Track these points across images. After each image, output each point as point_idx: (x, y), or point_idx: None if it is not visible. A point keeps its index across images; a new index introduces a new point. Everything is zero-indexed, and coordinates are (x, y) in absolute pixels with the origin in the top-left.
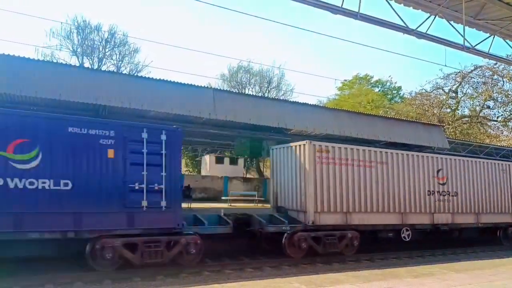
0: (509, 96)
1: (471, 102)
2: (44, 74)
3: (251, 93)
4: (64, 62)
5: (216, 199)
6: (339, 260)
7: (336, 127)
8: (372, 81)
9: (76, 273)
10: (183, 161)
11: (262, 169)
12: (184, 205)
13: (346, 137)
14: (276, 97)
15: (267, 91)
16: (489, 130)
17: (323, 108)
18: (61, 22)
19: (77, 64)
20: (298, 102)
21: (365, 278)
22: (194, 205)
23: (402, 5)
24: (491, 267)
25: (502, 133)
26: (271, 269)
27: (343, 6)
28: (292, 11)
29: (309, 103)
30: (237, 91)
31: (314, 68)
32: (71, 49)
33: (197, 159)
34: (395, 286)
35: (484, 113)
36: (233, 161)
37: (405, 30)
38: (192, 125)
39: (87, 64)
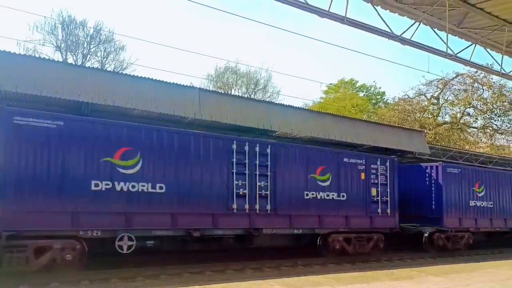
0: (488, 104)
1: (452, 109)
2: (25, 68)
3: (238, 94)
4: (47, 57)
5: None
6: (320, 262)
7: (320, 130)
8: (357, 86)
9: (51, 273)
10: None
11: None
12: None
13: (331, 141)
14: (263, 99)
15: (253, 93)
16: (469, 136)
17: (308, 111)
18: (45, 17)
19: (61, 60)
20: (284, 104)
21: (345, 280)
22: None
23: (388, 11)
24: (467, 270)
25: (481, 140)
26: (252, 271)
27: (330, 10)
28: (282, 14)
29: (294, 106)
30: (223, 92)
31: (301, 71)
32: (55, 44)
33: None
34: None
35: (464, 119)
36: None
37: (390, 36)
38: (177, 125)
39: (70, 60)
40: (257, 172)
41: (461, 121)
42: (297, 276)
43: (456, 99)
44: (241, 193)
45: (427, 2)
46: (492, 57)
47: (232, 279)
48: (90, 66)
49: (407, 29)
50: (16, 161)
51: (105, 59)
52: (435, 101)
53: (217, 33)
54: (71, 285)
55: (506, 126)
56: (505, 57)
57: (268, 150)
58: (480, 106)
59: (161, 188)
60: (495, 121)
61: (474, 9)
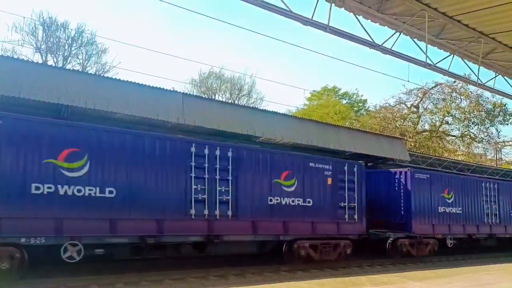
0: (466, 113)
1: (431, 117)
2: (3, 69)
3: (222, 100)
4: (26, 59)
5: None
6: (303, 268)
7: (303, 136)
8: (339, 93)
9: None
10: None
11: None
12: None
13: (313, 147)
14: (247, 105)
15: (237, 98)
16: (448, 144)
17: (292, 117)
18: (24, 17)
19: (40, 62)
20: (267, 110)
21: (328, 286)
22: None
23: (369, 21)
24: (447, 275)
25: (459, 147)
26: (235, 277)
27: (313, 18)
28: (266, 22)
29: (278, 112)
30: (207, 97)
31: (285, 77)
32: (35, 45)
33: None
34: None
35: (443, 128)
36: None
37: (371, 45)
38: (159, 130)
39: (51, 62)
40: (218, 177)
41: (440, 129)
42: (280, 282)
43: (435, 107)
44: (200, 198)
45: (408, 13)
46: (469, 67)
47: (214, 286)
48: (71, 69)
49: (388, 39)
50: None
51: (86, 61)
52: (415, 109)
53: (201, 39)
54: None
55: (483, 134)
56: (482, 68)
57: (230, 154)
58: (458, 115)
59: (111, 192)
60: (472, 129)
61: (452, 21)
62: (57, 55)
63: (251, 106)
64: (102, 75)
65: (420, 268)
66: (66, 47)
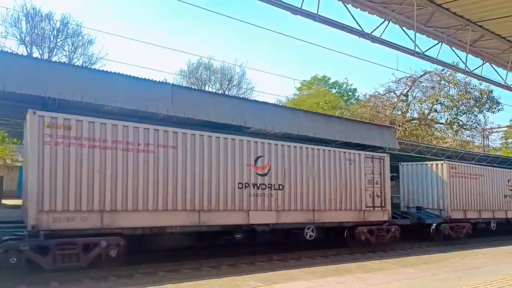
0: (454, 100)
1: (420, 106)
2: None
3: (211, 90)
4: (10, 51)
5: None
6: (295, 257)
7: (294, 126)
8: (329, 83)
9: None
10: None
11: None
12: None
13: (304, 137)
14: (237, 95)
15: (227, 89)
16: (436, 132)
17: (282, 107)
18: (7, 8)
19: (25, 54)
20: (257, 100)
21: (319, 273)
22: None
23: (358, 9)
24: (435, 261)
25: (447, 135)
26: (228, 267)
27: (302, 8)
28: (255, 11)
29: (268, 102)
30: (196, 88)
31: (274, 67)
32: (19, 37)
33: None
34: (348, 281)
35: (432, 116)
36: None
37: (361, 33)
38: (149, 121)
39: (36, 54)
40: None
41: (428, 117)
42: (272, 271)
43: (424, 96)
44: None
45: (396, 1)
46: (457, 55)
47: (208, 277)
48: (57, 61)
49: (377, 27)
50: None
51: (73, 53)
52: (404, 98)
53: (190, 29)
54: (40, 285)
55: (471, 122)
56: (469, 56)
57: None
58: (447, 103)
59: None
60: (460, 117)
61: (440, 9)
62: (42, 47)
63: (241, 96)
64: (89, 66)
65: (412, 254)
66: (52, 38)
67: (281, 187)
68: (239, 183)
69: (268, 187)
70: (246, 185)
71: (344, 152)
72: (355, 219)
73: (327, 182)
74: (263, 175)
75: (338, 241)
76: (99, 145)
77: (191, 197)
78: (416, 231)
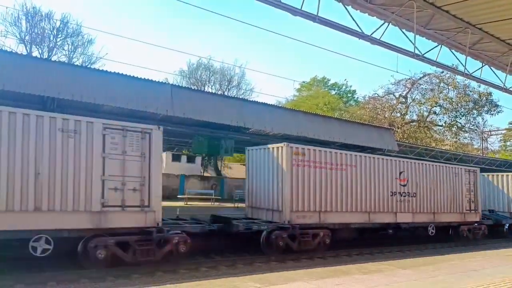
0: (453, 103)
1: (419, 108)
2: None
3: (211, 91)
4: (10, 50)
5: (171, 197)
6: (293, 258)
7: (293, 127)
8: (329, 84)
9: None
10: None
11: (220, 168)
12: None
13: (304, 138)
14: (236, 96)
15: (227, 90)
16: (435, 134)
17: (282, 109)
18: (7, 7)
19: (25, 53)
20: (257, 101)
21: (318, 275)
22: None
23: (358, 11)
24: (434, 263)
25: (446, 137)
26: (226, 268)
27: (302, 9)
28: (255, 11)
29: (268, 103)
30: (196, 88)
31: (274, 68)
32: (18, 36)
33: None
34: (346, 283)
35: (431, 118)
36: (191, 159)
37: (360, 35)
38: (148, 122)
39: (36, 54)
40: None
41: (427, 119)
42: (271, 272)
43: (423, 98)
44: None
45: (396, 3)
46: (457, 58)
47: (206, 277)
48: (57, 60)
49: (377, 29)
50: None
51: (72, 53)
52: (403, 100)
53: (190, 29)
54: (37, 285)
55: (470, 124)
56: (469, 58)
57: None
58: (446, 105)
59: None
60: (459, 119)
61: (440, 11)
62: (42, 46)
63: (240, 97)
64: (88, 66)
65: (409, 256)
66: (51, 38)
67: (415, 194)
68: (390, 191)
69: (407, 194)
70: (394, 193)
71: (453, 168)
72: (459, 219)
73: (442, 191)
74: (404, 185)
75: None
76: (319, 165)
77: (364, 202)
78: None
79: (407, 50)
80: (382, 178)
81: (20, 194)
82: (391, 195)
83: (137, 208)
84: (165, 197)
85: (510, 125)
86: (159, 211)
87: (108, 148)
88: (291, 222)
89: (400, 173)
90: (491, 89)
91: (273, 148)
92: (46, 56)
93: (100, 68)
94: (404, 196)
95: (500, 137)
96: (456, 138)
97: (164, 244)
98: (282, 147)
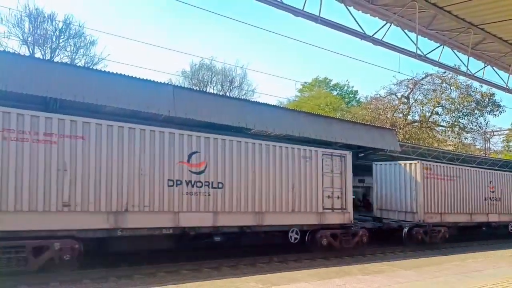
0: (455, 103)
1: (421, 108)
2: None
3: (213, 92)
4: (13, 51)
5: None
6: (295, 258)
7: (295, 128)
8: (330, 84)
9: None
10: None
11: None
12: None
13: (305, 139)
14: (238, 97)
15: (229, 90)
16: (437, 135)
17: (284, 109)
18: (10, 8)
19: (27, 54)
20: (259, 102)
21: (320, 276)
22: None
23: (360, 12)
24: (436, 264)
25: (449, 138)
26: (229, 268)
27: (304, 9)
28: (256, 12)
29: (270, 104)
30: (198, 89)
31: (276, 68)
32: (21, 37)
33: None
34: (348, 284)
35: (433, 118)
36: None
37: (362, 36)
38: (150, 122)
39: (38, 55)
40: None
41: (430, 120)
42: (272, 273)
43: (426, 98)
44: None
45: (398, 3)
46: (459, 58)
47: (208, 278)
48: (59, 61)
49: (379, 30)
50: None
51: (75, 54)
52: (406, 100)
53: (190, 29)
54: (42, 285)
55: (472, 125)
56: (471, 58)
57: None
58: (448, 106)
59: None
60: (462, 119)
61: (442, 12)
62: (44, 47)
63: (242, 98)
64: (91, 67)
65: (411, 257)
66: (54, 39)
67: (498, 199)
68: (485, 197)
69: (495, 199)
70: (486, 197)
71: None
72: (508, 219)
73: (500, 195)
74: (493, 192)
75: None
76: (440, 177)
77: (467, 205)
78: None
79: (409, 51)
80: (477, 186)
81: (280, 200)
82: (485, 200)
83: (339, 211)
84: None
85: None
86: (351, 212)
87: (324, 168)
88: (424, 221)
89: (490, 182)
90: (493, 90)
91: (405, 164)
92: (49, 57)
93: (102, 69)
94: (493, 201)
95: (503, 137)
96: (459, 138)
97: (354, 236)
98: (416, 164)
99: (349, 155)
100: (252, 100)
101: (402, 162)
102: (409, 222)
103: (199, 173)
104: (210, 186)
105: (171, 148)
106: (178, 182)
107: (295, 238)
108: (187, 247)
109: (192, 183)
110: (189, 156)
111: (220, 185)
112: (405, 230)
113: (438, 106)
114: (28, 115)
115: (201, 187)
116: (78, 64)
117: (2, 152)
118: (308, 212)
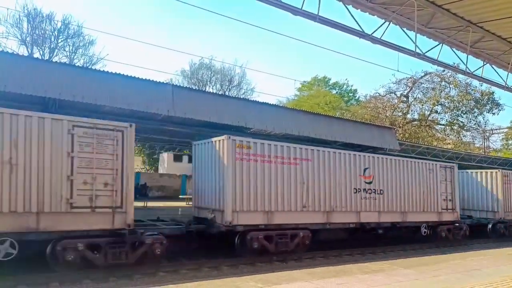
0: (454, 101)
1: (421, 107)
2: None
3: (212, 91)
4: (11, 51)
5: (173, 197)
6: (295, 257)
7: (295, 127)
8: (330, 83)
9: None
10: (140, 159)
11: None
12: (139, 203)
13: (305, 137)
14: (237, 96)
15: (228, 90)
16: (437, 133)
17: (283, 108)
18: (8, 9)
19: (26, 54)
20: (258, 101)
21: (319, 275)
22: (151, 203)
23: (359, 10)
24: (435, 262)
25: (448, 136)
26: (228, 268)
27: (303, 8)
28: (255, 11)
29: (269, 103)
30: (197, 88)
31: (275, 68)
32: (20, 37)
33: (154, 156)
34: (347, 283)
35: (432, 117)
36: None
37: (361, 34)
38: (149, 122)
39: (37, 55)
40: None
41: (429, 118)
42: (272, 272)
43: (425, 97)
44: None
45: (397, 2)
46: (458, 56)
47: (208, 277)
48: (58, 61)
49: (378, 28)
50: None
51: (73, 53)
52: (405, 99)
53: (190, 29)
54: (40, 286)
55: (472, 123)
56: (470, 56)
57: None
58: (448, 104)
59: None
60: (461, 118)
61: (441, 10)
62: (43, 47)
63: (241, 97)
64: (90, 67)
65: (411, 255)
66: (52, 39)
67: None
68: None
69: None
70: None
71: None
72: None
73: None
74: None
75: None
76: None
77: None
78: None
79: (408, 49)
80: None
81: (416, 202)
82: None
83: (450, 210)
84: (167, 197)
85: None
86: (458, 212)
87: (440, 177)
88: (504, 219)
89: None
90: (493, 88)
91: (486, 172)
92: (47, 57)
93: (101, 69)
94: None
95: (502, 135)
96: (458, 136)
97: (460, 230)
98: (497, 172)
99: (455, 167)
100: (252, 99)
101: (482, 171)
102: (494, 219)
103: (369, 183)
104: (376, 192)
105: (355, 165)
106: (359, 190)
107: (425, 232)
108: (355, 238)
109: (366, 190)
110: (364, 171)
111: (381, 192)
112: (490, 226)
113: (437, 105)
114: None
115: (371, 193)
116: (76, 64)
117: None
118: (432, 211)
